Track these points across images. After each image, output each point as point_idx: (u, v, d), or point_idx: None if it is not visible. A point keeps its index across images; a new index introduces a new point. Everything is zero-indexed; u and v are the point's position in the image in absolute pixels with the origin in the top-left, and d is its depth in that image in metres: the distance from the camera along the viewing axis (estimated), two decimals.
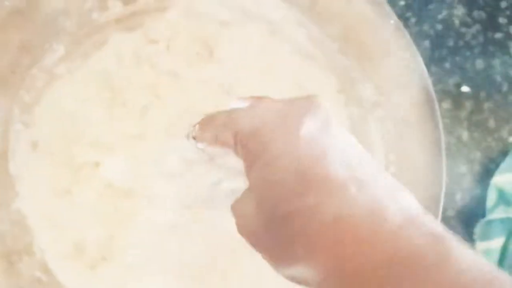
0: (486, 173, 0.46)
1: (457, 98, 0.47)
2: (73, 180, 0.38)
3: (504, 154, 0.46)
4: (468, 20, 0.49)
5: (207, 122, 0.28)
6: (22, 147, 0.38)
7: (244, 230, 0.24)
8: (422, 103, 0.37)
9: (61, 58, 0.41)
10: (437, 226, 0.22)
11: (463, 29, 0.49)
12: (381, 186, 0.22)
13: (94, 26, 0.41)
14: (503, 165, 0.45)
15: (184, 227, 0.29)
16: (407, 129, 0.38)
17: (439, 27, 0.49)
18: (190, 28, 0.42)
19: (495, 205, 0.44)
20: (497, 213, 0.43)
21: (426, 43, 0.48)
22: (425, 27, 0.49)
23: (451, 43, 0.49)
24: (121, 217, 0.37)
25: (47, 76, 0.40)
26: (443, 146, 0.36)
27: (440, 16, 0.49)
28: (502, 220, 0.43)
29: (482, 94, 0.48)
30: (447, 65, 0.48)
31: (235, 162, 0.25)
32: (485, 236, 0.44)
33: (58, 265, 0.36)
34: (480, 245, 0.44)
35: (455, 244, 0.21)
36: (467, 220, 0.45)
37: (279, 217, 0.22)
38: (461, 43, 0.49)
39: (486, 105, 0.48)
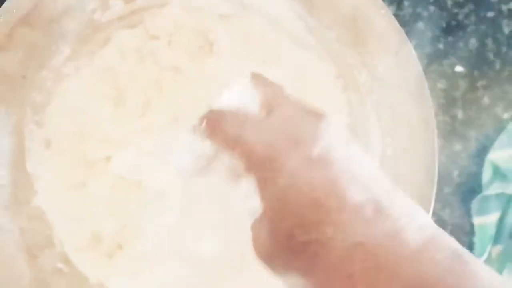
0: (482, 150, 0.47)
1: (451, 78, 0.49)
2: (87, 175, 0.40)
3: (498, 130, 0.47)
4: (460, 0, 0.50)
5: (217, 123, 0.27)
6: (37, 146, 0.40)
7: (259, 252, 0.24)
8: (414, 88, 0.38)
9: (67, 58, 0.42)
10: (454, 243, 0.22)
11: (456, 9, 0.50)
12: (398, 205, 0.22)
13: (97, 25, 0.43)
14: (497, 142, 0.46)
15: (194, 217, 0.31)
16: (401, 113, 0.40)
17: (431, 8, 0.50)
18: (190, 23, 0.43)
19: (491, 181, 0.46)
20: (493, 189, 0.45)
21: (420, 25, 0.49)
22: (419, 9, 0.50)
23: (444, 24, 0.50)
24: (133, 207, 0.39)
25: (55, 76, 0.41)
26: (435, 125, 0.38)
27: None
28: (498, 195, 0.45)
29: (476, 73, 0.49)
30: (440, 45, 0.49)
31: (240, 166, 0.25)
32: (482, 211, 0.45)
33: (77, 255, 0.38)
34: (477, 219, 0.45)
35: (473, 262, 0.21)
36: (464, 196, 0.47)
37: (296, 246, 0.22)
38: (453, 23, 0.50)
39: (480, 83, 0.49)
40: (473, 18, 0.50)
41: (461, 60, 0.49)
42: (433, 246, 0.21)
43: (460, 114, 0.48)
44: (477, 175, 0.47)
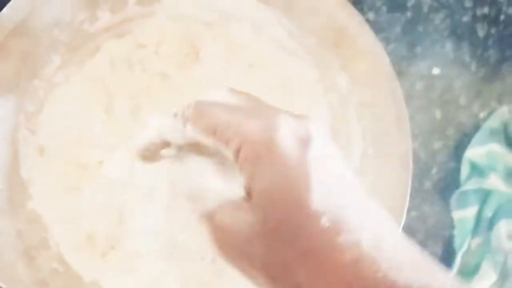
0: (460, 147, 0.49)
1: (429, 80, 0.50)
2: (80, 179, 0.41)
3: (476, 128, 0.49)
4: (436, 5, 0.52)
5: (206, 108, 0.26)
6: (31, 153, 0.41)
7: (232, 243, 0.24)
8: (389, 90, 0.40)
9: (58, 67, 0.43)
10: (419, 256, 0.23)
11: (432, 15, 0.52)
12: (358, 219, 0.22)
13: (86, 35, 0.44)
14: (474, 140, 0.48)
15: (179, 213, 0.32)
16: (379, 113, 0.41)
17: (408, 14, 0.52)
18: (176, 31, 0.45)
19: (469, 177, 0.47)
20: (471, 184, 0.47)
21: (398, 29, 0.51)
22: (396, 14, 0.51)
23: (421, 28, 0.51)
24: (125, 209, 0.40)
25: (47, 85, 0.43)
26: (408, 124, 0.40)
27: (409, 4, 0.52)
28: (475, 190, 0.46)
29: (452, 74, 0.51)
30: (418, 49, 0.51)
31: (224, 154, 0.25)
32: (460, 206, 0.47)
33: (73, 256, 0.39)
34: (456, 214, 0.47)
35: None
36: (443, 192, 0.48)
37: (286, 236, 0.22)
38: (430, 27, 0.52)
39: (457, 84, 0.51)
40: (448, 22, 0.52)
41: (438, 63, 0.51)
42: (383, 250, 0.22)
43: (438, 113, 0.50)
44: (455, 171, 0.48)
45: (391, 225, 0.23)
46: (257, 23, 0.45)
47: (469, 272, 0.46)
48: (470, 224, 0.46)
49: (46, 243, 0.39)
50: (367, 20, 0.44)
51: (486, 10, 0.52)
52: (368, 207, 0.23)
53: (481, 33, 0.52)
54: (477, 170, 0.47)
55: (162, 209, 0.33)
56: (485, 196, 0.46)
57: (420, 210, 0.48)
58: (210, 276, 0.37)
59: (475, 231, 0.46)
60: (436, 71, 0.51)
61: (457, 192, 0.47)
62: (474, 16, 0.52)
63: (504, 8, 0.52)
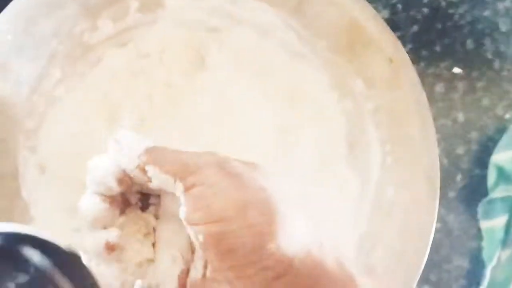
0: (485, 152, 0.46)
1: (449, 80, 0.48)
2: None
3: (501, 131, 0.47)
4: (455, 0, 0.50)
5: (160, 151, 0.26)
6: (31, 172, 0.40)
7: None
8: (410, 94, 0.37)
9: (58, 81, 0.42)
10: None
11: (451, 10, 0.49)
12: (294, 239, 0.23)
13: (87, 46, 0.42)
14: (501, 143, 0.45)
15: None
16: (399, 120, 0.39)
17: (425, 10, 0.49)
18: (180, 38, 0.43)
19: (496, 184, 0.45)
20: (498, 192, 0.44)
21: (415, 28, 0.49)
22: (412, 12, 0.49)
23: (439, 25, 0.49)
24: None
25: (47, 100, 0.41)
26: (434, 130, 0.37)
27: (426, 0, 0.49)
28: (504, 199, 0.44)
29: (474, 74, 0.48)
30: (437, 48, 0.48)
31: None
32: (488, 215, 0.44)
33: None
34: (484, 224, 0.44)
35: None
36: (469, 201, 0.46)
37: None
38: (449, 24, 0.49)
39: (479, 84, 0.48)
40: (469, 18, 0.49)
41: (459, 62, 0.48)
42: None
43: (460, 116, 0.47)
44: (481, 178, 0.46)
45: None
46: (264, 27, 0.43)
47: (499, 286, 0.43)
48: (500, 234, 0.44)
49: None
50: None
51: (508, 3, 0.49)
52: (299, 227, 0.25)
53: (503, 28, 0.49)
54: (504, 176, 0.45)
55: None
56: None
57: (444, 221, 0.46)
58: None
59: (504, 242, 0.44)
60: (456, 70, 0.48)
61: (484, 200, 0.45)
62: (495, 10, 0.50)
63: None
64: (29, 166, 0.40)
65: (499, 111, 0.48)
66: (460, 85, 0.48)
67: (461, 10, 0.49)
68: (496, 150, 0.45)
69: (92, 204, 0.26)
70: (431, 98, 0.47)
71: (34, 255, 0.21)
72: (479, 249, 0.45)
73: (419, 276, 0.38)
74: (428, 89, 0.47)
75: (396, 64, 0.38)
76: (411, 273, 0.37)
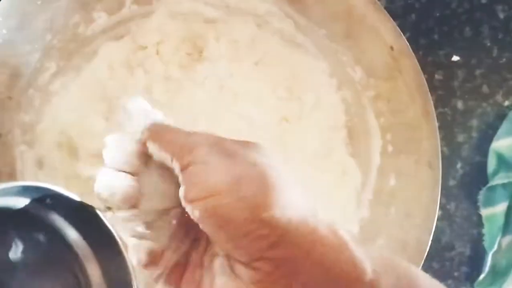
0: (485, 139, 0.46)
1: (448, 68, 0.48)
2: (82, 192, 0.39)
3: (500, 118, 0.46)
4: None
5: (162, 129, 0.26)
6: (29, 167, 0.39)
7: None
8: (411, 81, 0.37)
9: (54, 74, 0.41)
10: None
11: None
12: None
13: (82, 39, 0.42)
14: (501, 130, 0.45)
15: None
16: (399, 108, 0.39)
17: None
18: (177, 30, 0.43)
19: (496, 171, 0.45)
20: (499, 179, 0.44)
21: (413, 16, 0.48)
22: (410, 0, 0.49)
23: (437, 13, 0.49)
24: None
25: (43, 94, 0.41)
26: (435, 118, 0.37)
27: None
28: (504, 185, 0.44)
29: (473, 61, 0.48)
30: (435, 36, 0.48)
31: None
32: (489, 202, 0.44)
33: None
34: (485, 211, 0.44)
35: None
36: (469, 188, 0.46)
37: None
38: (447, 12, 0.49)
39: (478, 72, 0.48)
40: (466, 5, 0.49)
41: (457, 50, 0.48)
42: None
43: (460, 104, 0.47)
44: (481, 165, 0.46)
45: None
46: (262, 15, 0.43)
47: (501, 272, 0.43)
48: (500, 221, 0.44)
49: None
50: None
51: None
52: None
53: (501, 14, 0.49)
54: (504, 163, 0.45)
55: None
56: None
57: (445, 208, 0.46)
58: None
59: (505, 228, 0.44)
60: (455, 58, 0.48)
61: (485, 188, 0.45)
62: None
63: None
64: (27, 161, 0.40)
65: (498, 98, 0.48)
66: (459, 73, 0.48)
67: None
68: (496, 137, 0.45)
69: (118, 181, 0.26)
70: (430, 86, 0.46)
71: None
72: (479, 236, 0.45)
73: (421, 264, 0.38)
74: (427, 77, 0.46)
75: (396, 51, 0.38)
76: (414, 261, 0.37)
